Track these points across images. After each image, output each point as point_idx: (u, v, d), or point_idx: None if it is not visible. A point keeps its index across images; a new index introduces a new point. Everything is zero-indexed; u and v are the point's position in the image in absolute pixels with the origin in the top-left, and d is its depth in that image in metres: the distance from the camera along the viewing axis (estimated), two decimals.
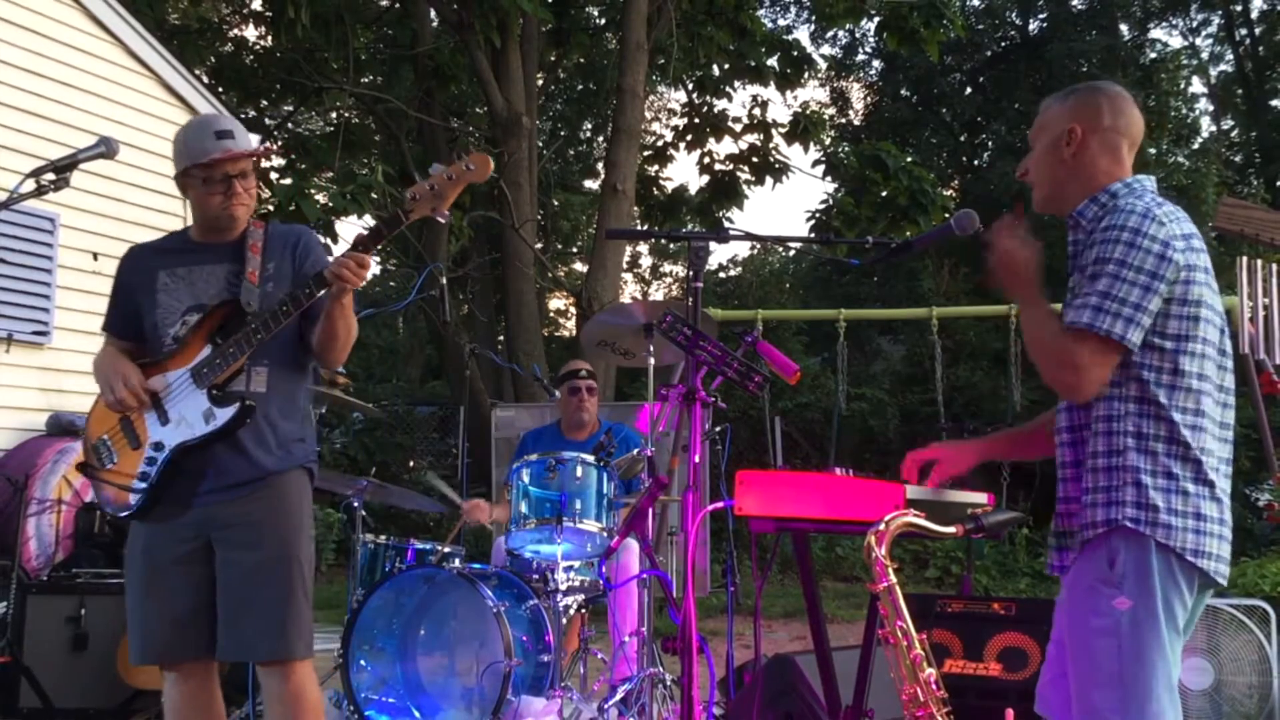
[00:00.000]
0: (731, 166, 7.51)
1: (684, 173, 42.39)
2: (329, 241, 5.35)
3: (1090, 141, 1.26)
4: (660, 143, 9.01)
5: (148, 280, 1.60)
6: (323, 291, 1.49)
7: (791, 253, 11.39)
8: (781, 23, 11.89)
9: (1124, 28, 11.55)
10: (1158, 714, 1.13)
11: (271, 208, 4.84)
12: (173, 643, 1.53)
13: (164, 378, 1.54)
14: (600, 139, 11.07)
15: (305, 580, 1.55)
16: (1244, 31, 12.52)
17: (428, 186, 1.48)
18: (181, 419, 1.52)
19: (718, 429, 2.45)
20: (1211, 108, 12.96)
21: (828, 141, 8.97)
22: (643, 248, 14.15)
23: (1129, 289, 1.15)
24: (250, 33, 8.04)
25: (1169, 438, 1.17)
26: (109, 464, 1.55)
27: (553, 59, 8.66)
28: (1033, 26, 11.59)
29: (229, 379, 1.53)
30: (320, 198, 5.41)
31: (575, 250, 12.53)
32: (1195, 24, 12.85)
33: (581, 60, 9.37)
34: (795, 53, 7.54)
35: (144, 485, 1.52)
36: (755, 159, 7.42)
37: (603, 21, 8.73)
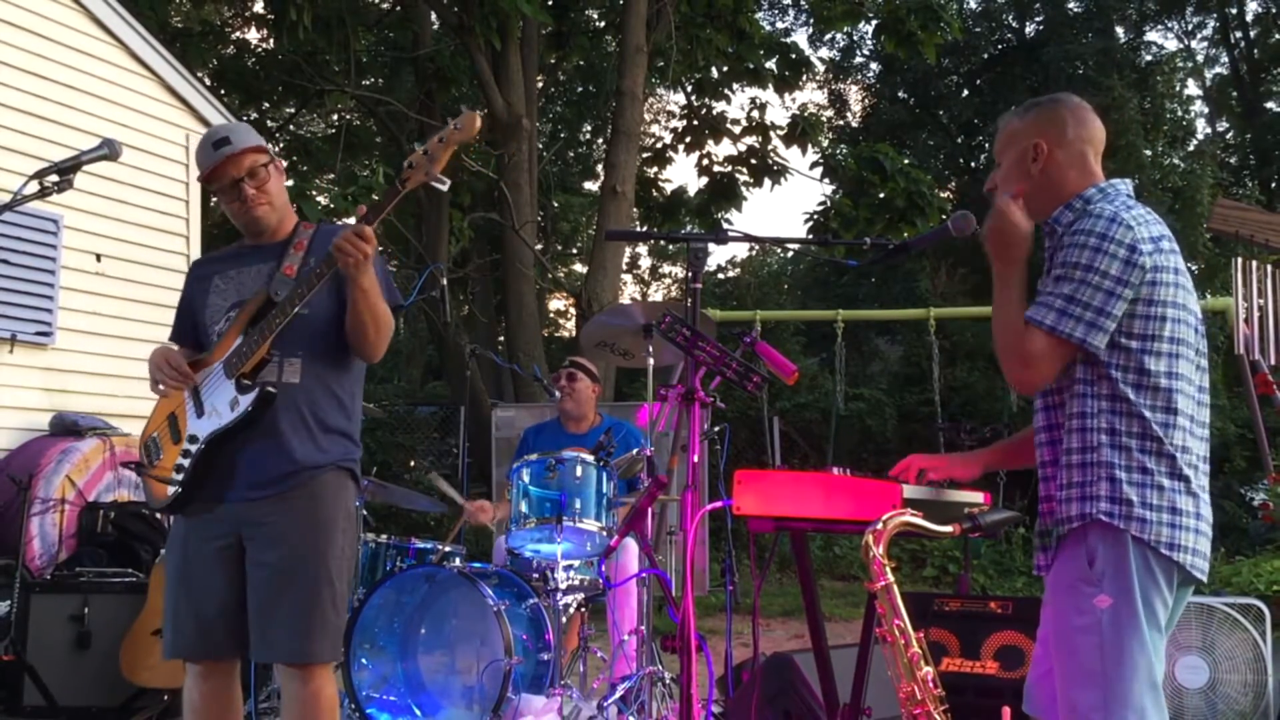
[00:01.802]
0: (730, 168, 7.51)
1: (683, 174, 42.47)
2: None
3: (1056, 155, 1.27)
4: (659, 145, 9.02)
5: (204, 286, 1.63)
6: (330, 271, 1.48)
7: (790, 254, 11.42)
8: (780, 25, 11.95)
9: (1120, 30, 11.59)
10: (1140, 711, 1.14)
11: None
12: (198, 640, 1.54)
13: (205, 371, 1.56)
14: (600, 141, 11.09)
15: (335, 583, 1.52)
16: (1239, 34, 12.58)
17: (421, 153, 1.46)
18: (213, 409, 1.54)
19: (716, 429, 2.47)
20: (1207, 110, 13.04)
21: (825, 143, 8.98)
22: (642, 249, 14.20)
23: (1093, 293, 1.17)
24: (252, 35, 8.07)
25: (1142, 434, 1.19)
26: (156, 460, 1.57)
27: (552, 61, 8.67)
28: (1029, 29, 11.63)
29: (256, 368, 1.53)
30: (322, 199, 5.42)
31: (575, 251, 12.54)
32: (1191, 27, 12.92)
33: (581, 63, 9.38)
34: (793, 55, 7.55)
35: (179, 478, 1.53)
36: (754, 161, 7.42)
37: (602, 24, 8.74)
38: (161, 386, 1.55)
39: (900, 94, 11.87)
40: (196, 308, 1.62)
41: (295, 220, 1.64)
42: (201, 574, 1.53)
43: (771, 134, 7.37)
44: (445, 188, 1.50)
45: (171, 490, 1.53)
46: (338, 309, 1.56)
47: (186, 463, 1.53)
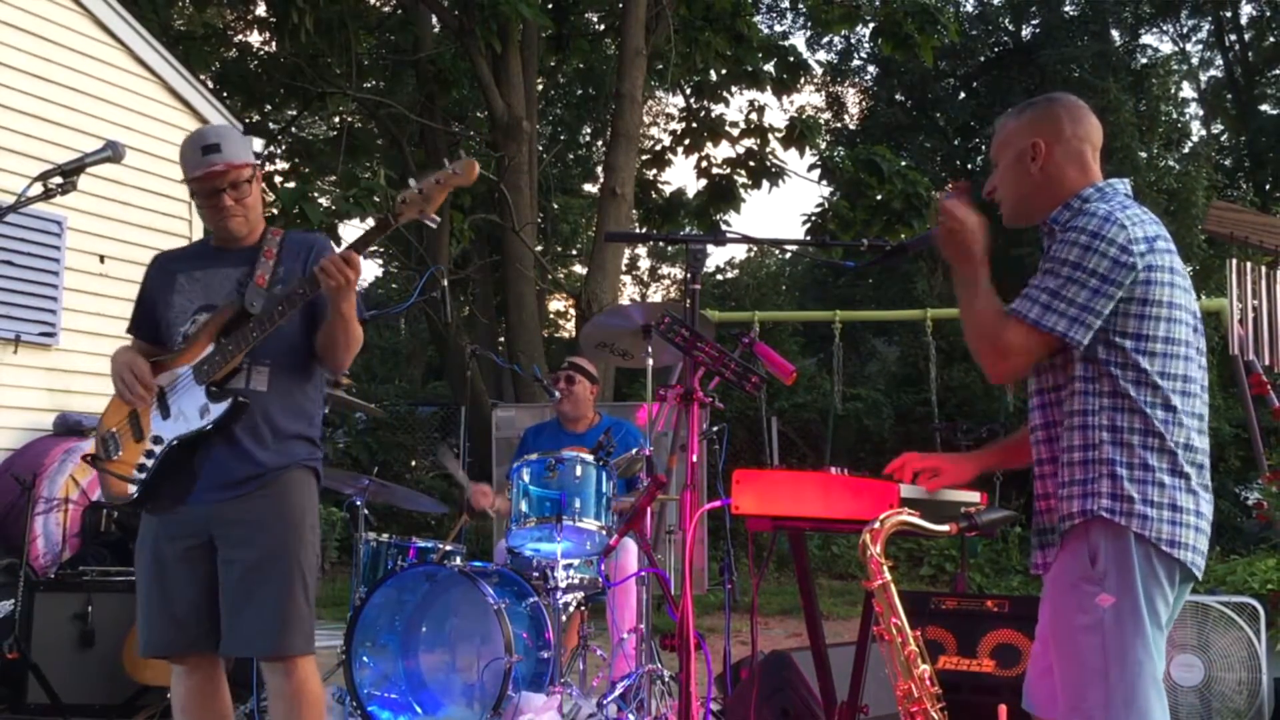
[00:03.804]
0: (729, 170, 7.51)
1: (682, 176, 42.31)
2: (334, 245, 5.37)
3: (1055, 153, 1.27)
4: (658, 147, 9.08)
5: (167, 283, 1.64)
6: (314, 292, 1.51)
7: (788, 255, 11.44)
8: (778, 29, 11.97)
9: (1115, 33, 11.64)
10: (1144, 709, 1.14)
11: (275, 211, 4.89)
12: (173, 637, 1.56)
13: (171, 373, 1.58)
14: (599, 143, 11.10)
15: (304, 578, 1.56)
16: (1233, 37, 12.63)
17: (416, 191, 1.50)
18: (180, 413, 1.56)
19: (715, 429, 2.49)
20: (1202, 112, 13.08)
21: (823, 146, 9.01)
22: (641, 250, 14.22)
23: (1078, 290, 1.17)
24: (254, 38, 8.11)
25: (1144, 430, 1.18)
26: (114, 455, 1.59)
27: (552, 64, 8.70)
28: (1026, 32, 11.68)
29: (227, 376, 1.56)
30: (324, 201, 5.47)
31: (575, 253, 12.56)
32: (1186, 30, 12.97)
33: (581, 65, 9.41)
34: (791, 58, 7.56)
35: (141, 477, 1.55)
36: (752, 163, 7.42)
37: (602, 27, 8.77)
38: (127, 395, 1.55)
39: (897, 96, 11.92)
40: (159, 304, 1.63)
41: (264, 226, 1.66)
42: (173, 573, 1.56)
43: (770, 136, 7.38)
44: (435, 225, 1.55)
45: (133, 488, 1.56)
46: (305, 320, 1.59)
47: (150, 462, 1.55)
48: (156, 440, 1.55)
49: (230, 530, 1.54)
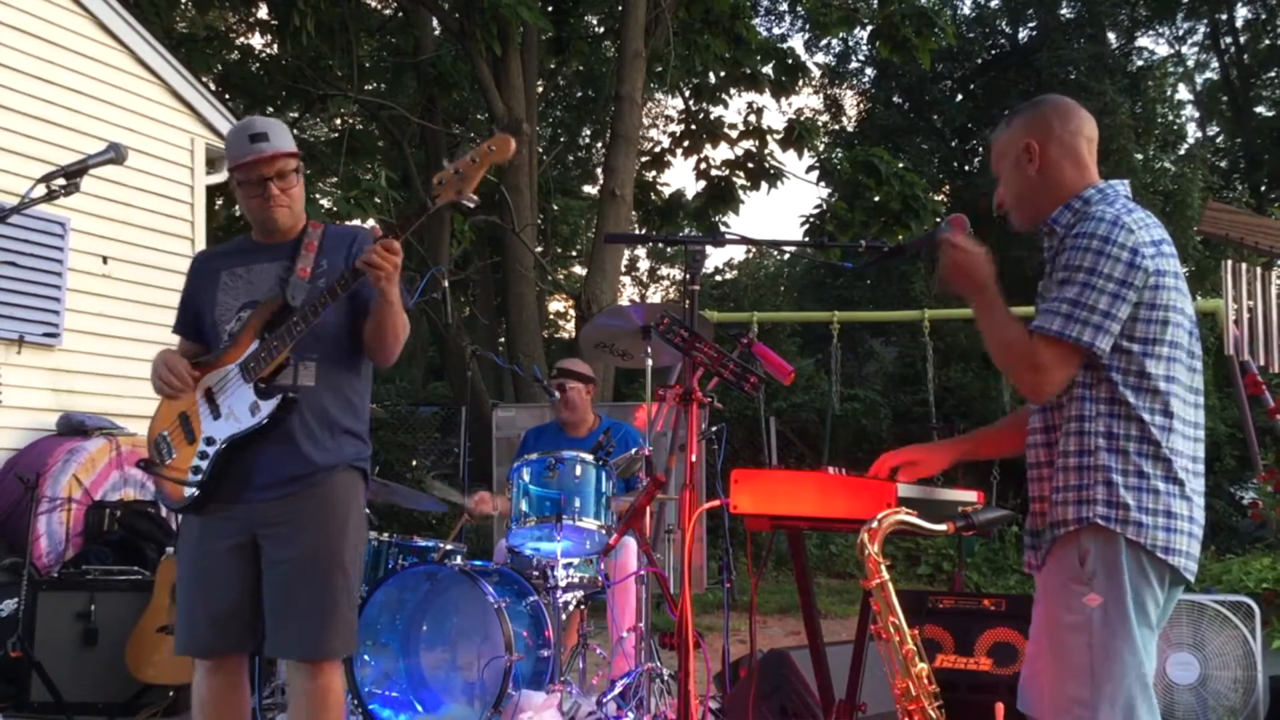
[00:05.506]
0: (727, 172, 7.53)
1: (681, 178, 42.62)
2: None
3: (1049, 151, 1.27)
4: (658, 149, 9.11)
5: (211, 282, 1.62)
6: (356, 283, 1.49)
7: (786, 256, 11.46)
8: (776, 31, 12.00)
9: (1112, 36, 11.69)
10: (1129, 708, 1.15)
11: None
12: (213, 636, 1.55)
13: (220, 372, 1.56)
14: (599, 145, 11.13)
15: (347, 580, 1.54)
16: (1229, 40, 12.68)
17: (452, 171, 1.46)
18: (230, 412, 1.54)
19: (714, 428, 2.51)
20: (1197, 114, 13.15)
21: (821, 147, 9.04)
22: (641, 251, 14.27)
23: (1098, 297, 1.17)
24: (256, 41, 8.13)
25: (1140, 437, 1.19)
26: (168, 459, 1.57)
27: (552, 66, 8.72)
28: (1023, 35, 11.72)
29: (274, 372, 1.53)
30: (325, 202, 5.48)
31: (574, 254, 12.58)
32: (1181, 32, 13.00)
33: (580, 68, 9.42)
34: (790, 60, 7.57)
35: (197, 479, 1.53)
36: (750, 164, 7.43)
37: (601, 30, 8.81)
38: (166, 390, 1.54)
39: (895, 99, 11.94)
40: (204, 303, 1.61)
41: (305, 220, 1.65)
42: (215, 573, 1.54)
43: (768, 138, 7.39)
44: (474, 206, 1.52)
45: (189, 491, 1.54)
46: (349, 312, 1.58)
47: (205, 464, 1.53)
48: (209, 441, 1.53)
49: (275, 530, 1.52)
